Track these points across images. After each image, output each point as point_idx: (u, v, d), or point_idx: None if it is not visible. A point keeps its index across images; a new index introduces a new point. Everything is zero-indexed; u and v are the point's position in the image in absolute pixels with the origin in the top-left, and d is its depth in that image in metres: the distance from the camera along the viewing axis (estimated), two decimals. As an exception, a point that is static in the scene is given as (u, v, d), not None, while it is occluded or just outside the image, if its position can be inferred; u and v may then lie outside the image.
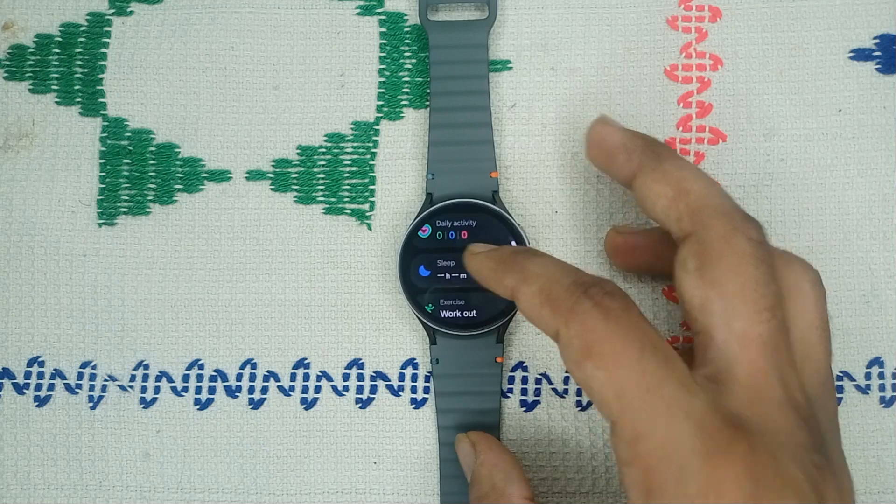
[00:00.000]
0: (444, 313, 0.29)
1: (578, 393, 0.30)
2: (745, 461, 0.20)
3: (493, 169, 0.30)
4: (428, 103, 0.32)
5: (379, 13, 0.32)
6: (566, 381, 0.30)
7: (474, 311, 0.29)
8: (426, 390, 0.31)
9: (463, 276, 0.29)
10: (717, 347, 0.22)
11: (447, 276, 0.29)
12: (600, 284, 0.22)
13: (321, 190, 0.32)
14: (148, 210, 0.32)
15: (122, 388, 0.31)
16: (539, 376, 0.31)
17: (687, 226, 0.24)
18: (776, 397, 0.22)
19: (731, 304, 0.22)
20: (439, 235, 0.29)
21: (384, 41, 0.32)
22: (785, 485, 0.20)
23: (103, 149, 0.32)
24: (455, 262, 0.29)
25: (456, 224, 0.29)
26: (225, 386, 0.31)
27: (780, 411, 0.22)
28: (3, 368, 0.31)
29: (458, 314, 0.29)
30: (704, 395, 0.21)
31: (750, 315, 0.22)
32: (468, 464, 0.28)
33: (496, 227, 0.29)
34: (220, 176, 0.32)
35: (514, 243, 0.29)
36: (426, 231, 0.30)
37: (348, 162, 0.32)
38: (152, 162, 0.32)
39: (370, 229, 0.31)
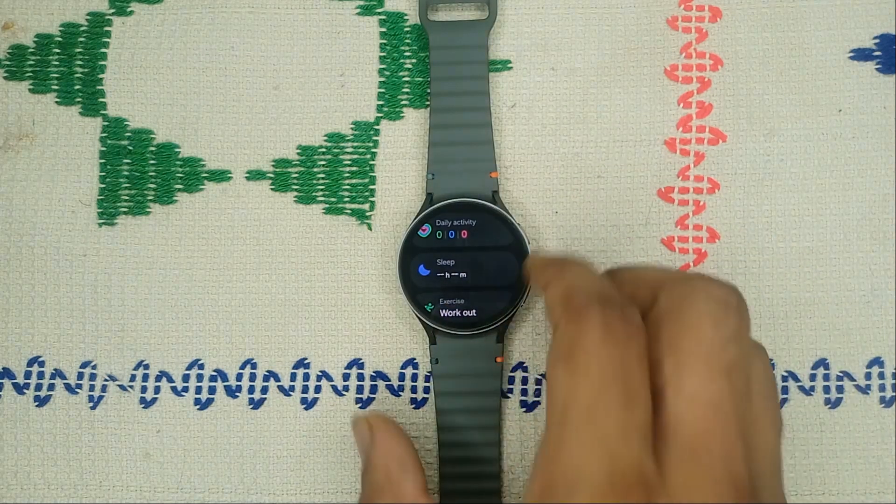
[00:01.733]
0: (443, 312, 0.29)
1: None
2: None
3: (493, 169, 0.30)
4: (428, 103, 0.32)
5: (379, 13, 0.32)
6: (566, 381, 0.30)
7: (474, 311, 0.29)
8: (426, 390, 0.31)
9: (462, 275, 0.29)
10: (665, 406, 0.21)
11: (447, 275, 0.29)
12: (622, 306, 0.22)
13: (321, 190, 0.32)
14: (148, 210, 0.32)
15: (123, 387, 0.31)
16: (539, 377, 0.31)
17: (650, 295, 0.23)
18: (714, 473, 0.21)
19: (683, 363, 0.21)
20: (439, 235, 0.29)
21: (384, 41, 0.32)
22: None
23: (103, 149, 0.32)
24: (455, 262, 0.29)
25: (456, 223, 0.29)
26: (225, 386, 0.31)
27: (715, 487, 0.20)
28: (3, 368, 0.31)
29: (458, 313, 0.29)
30: (637, 450, 0.20)
31: (702, 375, 0.21)
32: (363, 447, 0.27)
33: (496, 226, 0.29)
34: (221, 176, 0.32)
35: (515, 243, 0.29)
36: (426, 230, 0.29)
37: (348, 162, 0.32)
38: (152, 162, 0.32)
39: (370, 229, 0.31)
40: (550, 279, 0.24)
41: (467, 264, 0.29)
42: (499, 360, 0.29)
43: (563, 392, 0.21)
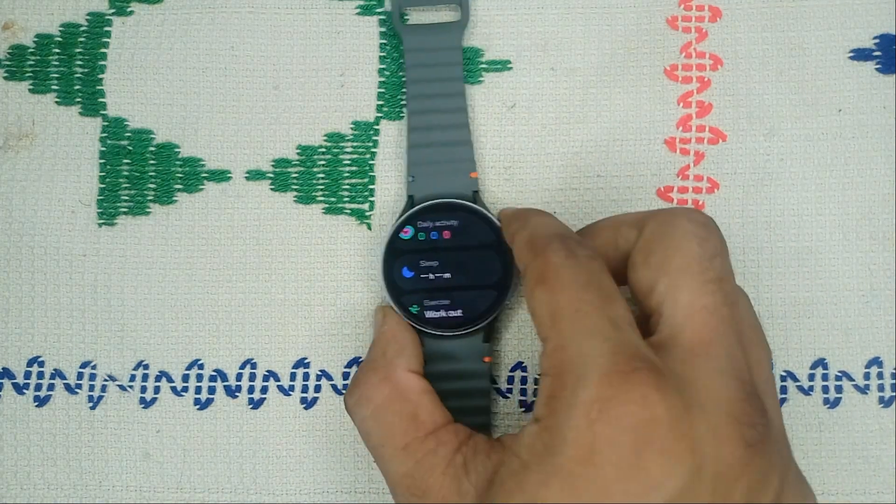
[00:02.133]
0: (428, 314, 0.29)
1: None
2: (643, 394, 0.20)
3: (473, 169, 0.30)
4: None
5: (379, 13, 0.32)
6: (566, 381, 0.30)
7: (459, 311, 0.29)
8: (426, 390, 0.31)
9: (446, 275, 0.29)
10: (664, 321, 0.23)
11: (431, 276, 0.29)
12: (578, 239, 0.24)
13: (321, 190, 0.32)
14: (148, 210, 0.32)
15: (122, 387, 0.31)
16: (539, 376, 0.30)
17: (634, 230, 0.25)
18: (718, 365, 0.22)
19: (676, 279, 0.23)
20: (421, 236, 0.29)
21: (384, 41, 0.32)
22: (682, 437, 0.20)
23: (103, 149, 0.32)
24: (438, 262, 0.29)
25: (438, 224, 0.29)
26: (225, 386, 0.31)
27: (721, 378, 0.22)
28: (3, 368, 0.31)
29: (444, 314, 0.29)
30: (630, 334, 0.22)
31: (694, 288, 0.23)
32: (375, 330, 0.29)
33: (478, 225, 0.29)
34: (220, 176, 0.32)
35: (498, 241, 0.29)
36: (408, 232, 0.29)
37: (348, 162, 0.32)
38: (152, 162, 0.32)
39: (370, 229, 0.31)
40: (516, 230, 0.26)
41: (451, 265, 0.29)
42: (487, 359, 0.29)
43: (546, 306, 0.23)
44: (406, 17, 0.32)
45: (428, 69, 0.31)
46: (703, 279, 0.23)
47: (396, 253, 0.29)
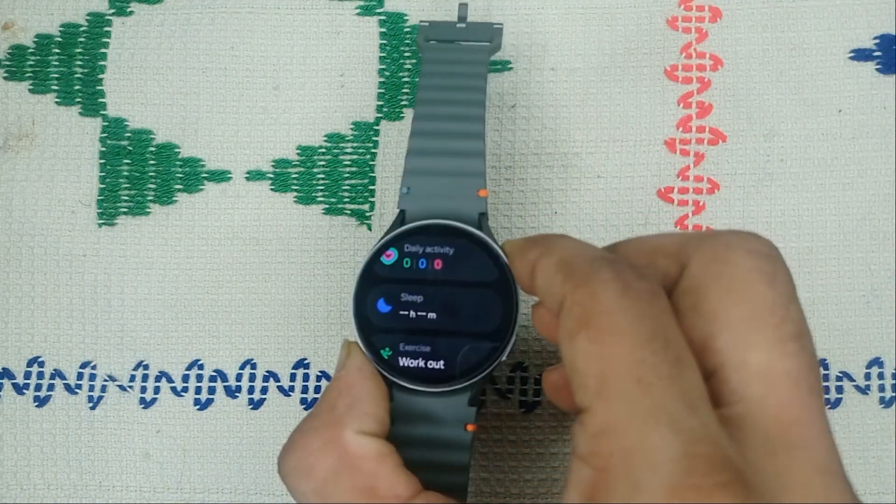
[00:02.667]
0: (403, 361, 0.23)
1: None
2: None
3: (483, 186, 0.25)
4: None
5: (379, 13, 0.32)
6: (566, 381, 0.30)
7: (442, 362, 0.23)
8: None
9: (432, 315, 0.23)
10: (732, 391, 0.17)
11: (412, 313, 0.23)
12: (633, 267, 0.18)
13: (321, 190, 0.32)
14: (148, 210, 0.32)
15: (122, 388, 0.31)
16: (539, 377, 0.30)
17: (674, 264, 0.20)
18: (816, 459, 0.16)
19: (742, 333, 0.18)
20: (407, 263, 0.24)
21: (384, 41, 0.32)
22: None
23: (103, 149, 0.32)
24: (423, 298, 0.24)
25: (429, 250, 0.24)
26: (225, 386, 0.31)
27: (821, 477, 0.16)
28: (3, 368, 0.31)
29: (422, 364, 0.23)
30: (709, 422, 0.16)
31: (772, 346, 0.17)
32: (339, 362, 0.24)
33: (479, 257, 0.24)
34: (220, 176, 0.32)
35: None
36: (391, 256, 0.24)
37: (348, 162, 0.32)
38: (152, 162, 0.32)
39: (370, 230, 0.31)
40: (538, 258, 0.20)
41: (438, 303, 0.23)
42: (470, 427, 0.23)
43: (593, 362, 0.17)
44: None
45: (446, 65, 0.27)
46: (780, 335, 0.17)
47: (374, 280, 0.24)
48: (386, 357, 0.23)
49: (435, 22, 0.29)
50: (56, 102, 0.32)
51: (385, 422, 0.22)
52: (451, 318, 0.23)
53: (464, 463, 0.23)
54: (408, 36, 0.32)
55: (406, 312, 0.23)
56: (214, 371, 0.31)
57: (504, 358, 0.23)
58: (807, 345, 0.18)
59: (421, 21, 0.30)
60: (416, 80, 0.32)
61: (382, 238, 0.25)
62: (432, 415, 0.23)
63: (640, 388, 0.16)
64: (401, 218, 0.25)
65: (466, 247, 0.24)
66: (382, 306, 0.24)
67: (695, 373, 0.17)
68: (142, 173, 0.32)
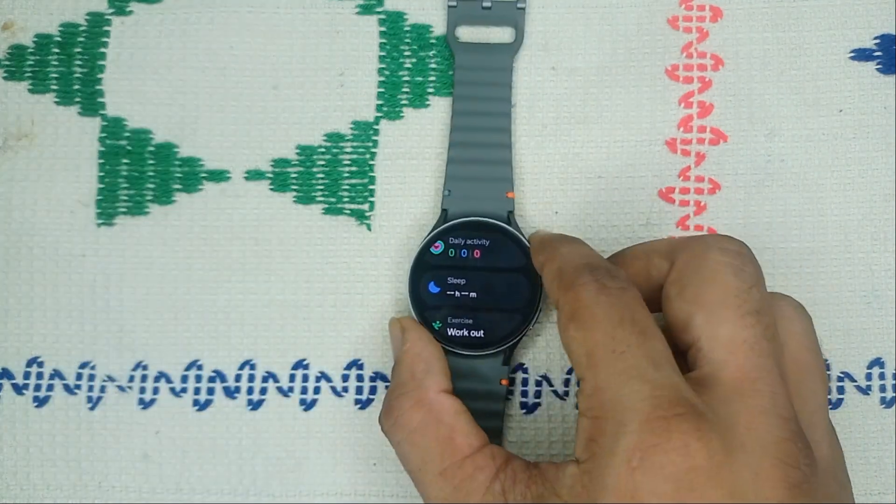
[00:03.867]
0: (451, 331, 0.29)
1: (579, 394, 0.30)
2: (684, 442, 0.20)
3: (510, 189, 0.30)
4: (428, 103, 0.32)
5: (379, 12, 0.32)
6: (567, 383, 0.30)
7: (482, 331, 0.29)
8: (426, 391, 0.31)
9: (473, 294, 0.29)
10: (704, 357, 0.22)
11: (457, 293, 0.29)
12: (608, 268, 0.24)
13: (320, 190, 0.32)
14: (147, 210, 0.32)
15: (121, 388, 0.31)
16: (540, 378, 0.30)
17: (665, 261, 0.25)
18: (761, 404, 0.21)
19: (714, 312, 0.22)
20: (451, 253, 0.29)
21: (384, 40, 0.32)
22: (722, 483, 0.20)
23: (102, 149, 0.32)
24: (465, 280, 0.29)
25: (469, 242, 0.29)
26: (224, 387, 0.31)
27: (764, 417, 0.21)
28: (3, 369, 0.31)
29: (466, 333, 0.29)
30: (670, 374, 0.21)
31: (734, 320, 0.22)
32: (395, 347, 0.29)
33: (509, 247, 0.29)
34: (219, 176, 0.32)
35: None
36: (439, 247, 0.29)
37: (348, 162, 0.32)
38: (151, 162, 0.32)
39: (369, 230, 0.31)
40: (545, 260, 0.26)
41: (478, 284, 0.29)
42: (504, 382, 0.29)
43: (581, 344, 0.22)
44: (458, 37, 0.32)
45: (477, 87, 0.31)
46: (741, 312, 0.22)
47: (425, 267, 0.29)
48: (437, 328, 0.29)
49: (463, 2, 0.32)
50: (55, 102, 0.32)
51: (451, 380, 0.27)
52: (488, 297, 0.29)
53: (500, 410, 0.29)
54: (408, 35, 0.32)
55: (452, 292, 0.29)
56: (213, 371, 0.31)
57: (531, 327, 0.29)
58: (763, 319, 0.22)
59: (449, 3, 0.32)
60: (417, 78, 0.32)
61: (430, 233, 0.30)
62: (474, 373, 0.29)
63: (615, 356, 0.22)
64: (444, 216, 0.30)
65: (499, 239, 0.29)
66: (433, 288, 0.29)
67: (659, 342, 0.22)
68: (141, 173, 0.32)
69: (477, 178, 0.30)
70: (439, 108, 0.32)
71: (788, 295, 0.26)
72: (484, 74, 0.31)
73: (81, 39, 0.32)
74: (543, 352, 0.31)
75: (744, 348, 0.22)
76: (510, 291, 0.29)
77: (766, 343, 0.22)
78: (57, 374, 0.31)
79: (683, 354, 0.23)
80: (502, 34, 0.32)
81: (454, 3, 0.32)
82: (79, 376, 0.31)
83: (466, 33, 0.32)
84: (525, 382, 0.30)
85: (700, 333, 0.23)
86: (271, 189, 0.32)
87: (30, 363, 0.31)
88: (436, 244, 0.29)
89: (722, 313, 0.22)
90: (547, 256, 0.26)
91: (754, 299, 0.23)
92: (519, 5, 0.31)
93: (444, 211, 0.30)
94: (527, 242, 0.29)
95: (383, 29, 0.32)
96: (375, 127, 0.32)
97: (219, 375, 0.31)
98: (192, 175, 0.32)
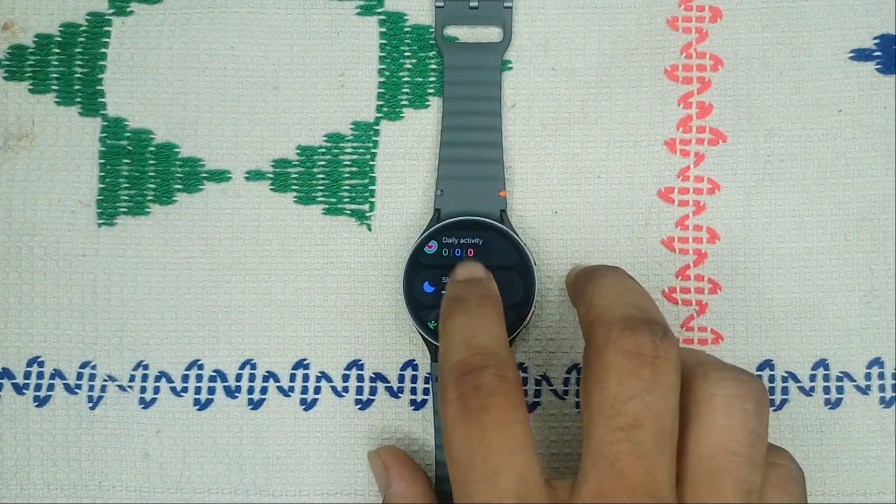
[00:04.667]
0: None
1: (578, 394, 0.30)
2: None
3: (502, 188, 0.30)
4: (428, 104, 0.32)
5: (379, 13, 0.32)
6: (566, 382, 0.30)
7: None
8: (426, 392, 0.31)
9: None
10: (581, 461, 0.22)
11: None
12: (472, 373, 0.23)
13: (321, 190, 0.32)
14: (147, 210, 0.32)
15: (122, 388, 0.31)
16: (539, 377, 0.31)
17: (586, 339, 0.24)
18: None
19: (590, 418, 0.22)
20: (445, 252, 0.29)
21: (384, 41, 0.32)
22: None
23: (103, 149, 0.32)
24: None
25: (462, 241, 0.29)
26: (224, 386, 0.31)
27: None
28: (3, 368, 0.31)
29: None
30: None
31: (602, 434, 0.21)
32: (380, 485, 0.28)
33: (502, 246, 0.29)
34: (220, 176, 0.32)
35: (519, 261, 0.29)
36: (432, 247, 0.29)
37: (348, 162, 0.32)
38: (152, 162, 0.32)
39: (370, 230, 0.31)
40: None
41: None
42: None
43: (450, 476, 0.22)
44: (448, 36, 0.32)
45: (466, 87, 0.31)
46: (611, 425, 0.21)
47: (419, 267, 0.29)
48: (432, 327, 0.29)
49: (450, 2, 0.32)
50: (56, 102, 0.32)
51: None
52: None
53: None
54: (408, 36, 0.32)
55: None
56: (214, 371, 0.31)
57: (526, 324, 0.29)
58: (635, 435, 0.21)
59: (437, 4, 0.32)
60: (417, 79, 0.32)
61: (424, 233, 0.30)
62: None
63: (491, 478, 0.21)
64: (437, 216, 0.30)
65: (492, 238, 0.29)
66: (427, 287, 0.29)
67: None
68: (141, 173, 0.32)
69: (469, 177, 0.30)
70: (439, 109, 0.32)
71: (741, 371, 0.23)
72: (473, 74, 0.31)
73: (82, 39, 0.32)
74: (543, 351, 0.31)
75: (604, 465, 0.21)
76: (504, 289, 0.28)
77: (631, 460, 0.21)
78: (57, 373, 0.31)
79: None
80: (490, 34, 0.32)
81: (441, 4, 0.32)
82: (79, 376, 0.31)
83: (454, 34, 0.32)
84: (524, 382, 0.30)
85: (583, 437, 0.22)
86: (272, 189, 0.32)
87: (30, 363, 0.31)
88: (429, 244, 0.29)
89: (595, 421, 0.21)
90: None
91: (630, 411, 0.21)
92: (506, 4, 0.32)
93: (436, 211, 0.30)
94: (520, 241, 0.29)
95: (383, 30, 0.32)
96: (376, 127, 0.32)
97: (219, 375, 0.31)
98: (193, 175, 0.32)
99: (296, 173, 0.32)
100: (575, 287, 0.27)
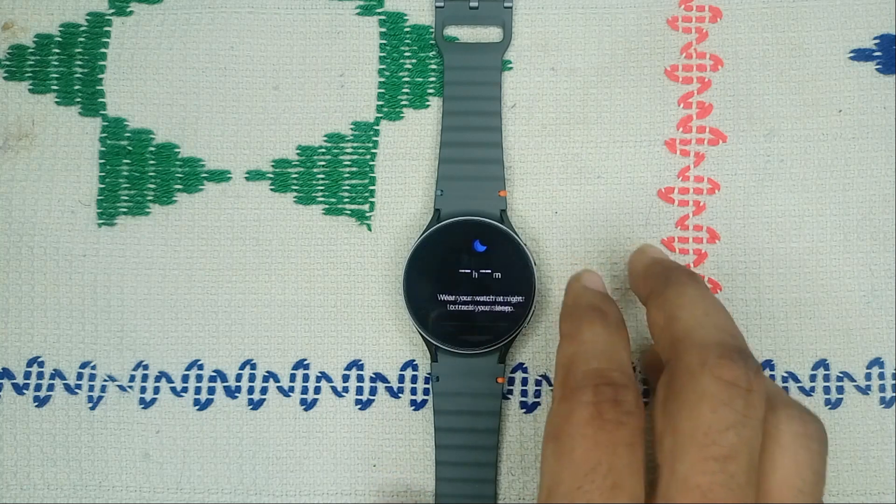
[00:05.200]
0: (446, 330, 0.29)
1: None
2: None
3: (502, 188, 0.30)
4: (428, 104, 0.32)
5: (379, 13, 0.32)
6: (566, 381, 0.30)
7: (477, 330, 0.29)
8: (426, 392, 0.31)
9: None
10: (660, 488, 0.21)
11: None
12: (615, 390, 0.22)
13: (321, 190, 0.32)
14: (147, 210, 0.32)
15: (122, 388, 0.31)
16: (539, 378, 0.31)
17: (668, 355, 0.23)
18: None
19: (678, 442, 0.21)
20: (445, 252, 0.29)
21: (384, 41, 0.32)
22: None
23: (103, 149, 0.32)
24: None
25: (462, 241, 0.29)
26: (224, 386, 0.31)
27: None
28: (3, 368, 0.31)
29: (461, 332, 0.29)
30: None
31: (694, 462, 0.21)
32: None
33: (502, 246, 0.29)
34: (220, 176, 0.32)
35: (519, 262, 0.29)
36: (432, 247, 0.29)
37: (348, 162, 0.32)
38: (152, 162, 0.32)
39: (370, 230, 0.31)
40: (563, 337, 0.25)
41: (472, 283, 0.29)
42: (500, 380, 0.29)
43: (549, 473, 0.22)
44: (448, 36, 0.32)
45: (466, 87, 0.31)
46: (704, 454, 0.20)
47: (419, 267, 0.29)
48: (432, 328, 0.29)
49: (450, 2, 0.32)
50: (56, 102, 0.32)
51: None
52: (482, 295, 0.29)
53: (496, 408, 0.29)
54: (408, 36, 0.32)
55: None
56: (214, 371, 0.31)
57: (526, 324, 0.29)
58: (729, 467, 0.21)
59: (437, 4, 0.32)
60: (417, 79, 0.32)
61: (424, 233, 0.30)
62: (470, 372, 0.29)
63: (574, 500, 0.21)
64: (437, 216, 0.30)
65: (492, 238, 0.29)
66: (427, 287, 0.29)
67: (624, 497, 0.21)
68: (142, 173, 0.32)
69: (469, 177, 0.30)
70: (439, 109, 0.32)
71: (801, 409, 0.23)
72: (473, 74, 0.31)
73: (82, 39, 0.32)
74: (543, 351, 0.31)
75: (695, 494, 0.20)
76: (504, 289, 0.29)
77: (724, 491, 0.20)
78: (57, 373, 0.31)
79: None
80: (490, 34, 0.32)
81: (441, 4, 0.32)
82: (79, 376, 0.31)
83: (454, 34, 0.32)
84: (525, 382, 0.30)
85: (663, 460, 0.21)
86: (272, 189, 0.32)
87: (30, 363, 0.31)
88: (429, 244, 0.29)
89: (686, 448, 0.21)
90: (568, 332, 0.25)
91: (726, 443, 0.21)
92: (506, 4, 0.32)
93: (436, 211, 0.30)
94: (520, 241, 0.29)
95: (383, 30, 0.32)
96: (376, 127, 0.32)
97: (219, 375, 0.31)
98: (193, 175, 0.32)
99: (296, 173, 0.32)
100: (645, 281, 0.26)
